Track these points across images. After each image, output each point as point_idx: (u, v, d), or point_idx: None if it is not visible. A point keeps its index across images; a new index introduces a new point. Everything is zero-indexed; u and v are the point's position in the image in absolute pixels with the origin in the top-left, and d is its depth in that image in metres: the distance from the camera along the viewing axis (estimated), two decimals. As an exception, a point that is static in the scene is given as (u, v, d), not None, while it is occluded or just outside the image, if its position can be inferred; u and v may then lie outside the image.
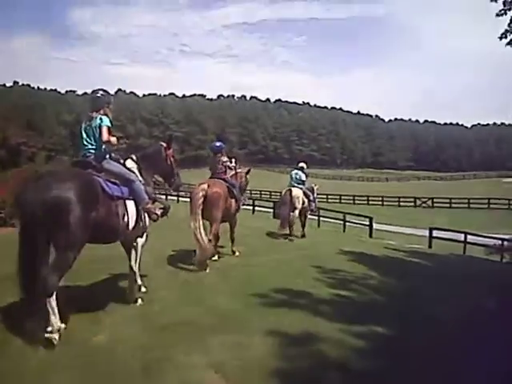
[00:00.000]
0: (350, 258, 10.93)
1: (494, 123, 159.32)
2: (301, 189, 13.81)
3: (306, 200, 13.89)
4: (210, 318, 5.55)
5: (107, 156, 5.70)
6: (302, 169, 14.27)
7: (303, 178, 14.09)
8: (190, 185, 26.21)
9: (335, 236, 15.70)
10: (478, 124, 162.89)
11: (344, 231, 21.89)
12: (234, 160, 10.25)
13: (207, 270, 8.12)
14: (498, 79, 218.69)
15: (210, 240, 8.46)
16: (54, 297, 4.51)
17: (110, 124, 5.53)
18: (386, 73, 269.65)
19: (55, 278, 4.49)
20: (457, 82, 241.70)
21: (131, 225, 5.65)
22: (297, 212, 13.47)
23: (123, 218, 5.45)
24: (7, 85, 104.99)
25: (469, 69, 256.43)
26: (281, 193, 42.70)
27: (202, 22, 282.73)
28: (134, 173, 6.03)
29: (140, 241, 6.15)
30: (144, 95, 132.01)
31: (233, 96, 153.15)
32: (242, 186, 10.30)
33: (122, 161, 6.08)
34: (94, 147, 5.56)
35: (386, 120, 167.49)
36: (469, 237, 17.49)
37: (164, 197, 38.19)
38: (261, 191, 46.28)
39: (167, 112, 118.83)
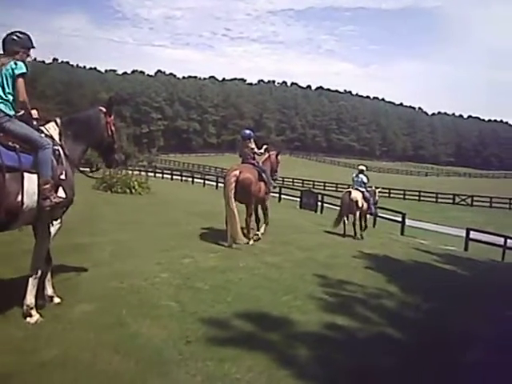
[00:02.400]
0: (368, 263, 8.83)
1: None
2: (362, 192, 14.05)
3: (365, 203, 14.07)
4: (110, 357, 3.57)
5: (12, 113, 4.17)
6: (362, 171, 14.54)
7: (365, 180, 14.43)
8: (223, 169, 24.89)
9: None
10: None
11: (374, 226, 20.04)
12: (264, 147, 10.63)
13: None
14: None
15: (246, 219, 9.29)
16: None
17: (26, 71, 4.22)
18: (432, 66, 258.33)
19: None
20: (504, 80, 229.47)
21: (29, 207, 4.05)
22: (357, 214, 13.68)
23: (15, 197, 3.95)
24: (46, 61, 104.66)
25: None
26: (313, 181, 42.46)
27: (246, 7, 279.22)
28: (53, 140, 4.40)
29: (48, 229, 4.50)
30: (184, 77, 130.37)
31: (273, 82, 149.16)
32: (273, 168, 10.58)
33: (35, 122, 4.44)
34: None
35: (429, 113, 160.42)
36: (509, 241, 15.96)
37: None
38: (293, 179, 44.63)
39: (205, 95, 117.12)
